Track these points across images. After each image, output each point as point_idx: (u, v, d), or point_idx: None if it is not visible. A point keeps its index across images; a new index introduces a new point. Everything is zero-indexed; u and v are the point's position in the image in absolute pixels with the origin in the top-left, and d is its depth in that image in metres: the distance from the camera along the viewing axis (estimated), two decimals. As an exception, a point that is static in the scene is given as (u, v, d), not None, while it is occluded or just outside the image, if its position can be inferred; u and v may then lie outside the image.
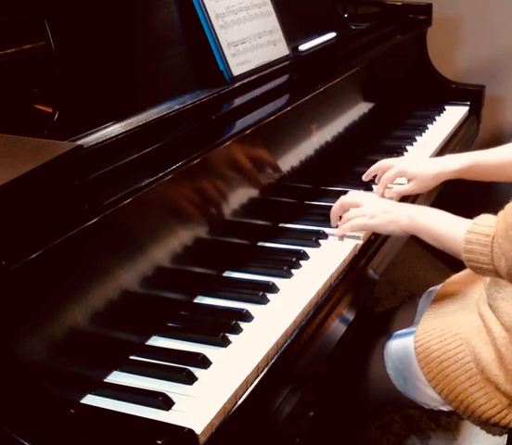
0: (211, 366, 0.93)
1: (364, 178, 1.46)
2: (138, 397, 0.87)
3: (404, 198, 1.45)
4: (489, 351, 1.14)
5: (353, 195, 1.32)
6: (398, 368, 1.24)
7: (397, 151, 1.66)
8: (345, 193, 1.44)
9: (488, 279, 1.20)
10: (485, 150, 1.39)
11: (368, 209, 1.23)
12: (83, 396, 0.88)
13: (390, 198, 1.40)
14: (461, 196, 1.89)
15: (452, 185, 1.56)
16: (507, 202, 1.04)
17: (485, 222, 1.05)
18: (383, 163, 1.43)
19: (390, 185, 1.44)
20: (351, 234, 1.27)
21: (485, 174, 1.39)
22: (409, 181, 1.40)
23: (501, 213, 1.04)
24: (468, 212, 1.11)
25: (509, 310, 1.13)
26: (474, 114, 2.02)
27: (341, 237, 1.27)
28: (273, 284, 1.11)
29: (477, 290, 1.27)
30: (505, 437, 1.27)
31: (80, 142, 0.99)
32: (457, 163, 1.37)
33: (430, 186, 1.40)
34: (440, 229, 1.12)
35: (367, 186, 1.47)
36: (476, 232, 1.04)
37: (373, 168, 1.44)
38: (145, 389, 0.88)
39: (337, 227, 1.29)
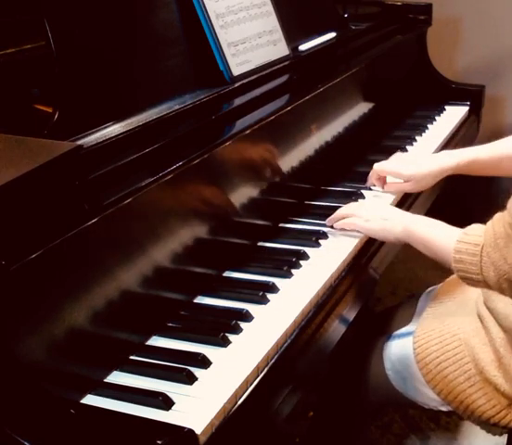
0: (211, 366, 0.93)
1: (368, 184, 1.47)
2: (138, 397, 0.87)
3: (406, 197, 1.45)
4: (487, 352, 1.14)
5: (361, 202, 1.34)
6: (397, 369, 1.24)
7: (397, 151, 1.65)
8: (345, 193, 1.45)
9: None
10: (482, 146, 1.40)
11: (364, 213, 1.25)
12: (83, 396, 0.88)
13: (392, 195, 1.42)
14: (462, 194, 1.89)
15: (452, 185, 1.56)
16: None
17: (475, 231, 1.05)
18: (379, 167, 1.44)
19: (389, 183, 1.45)
20: (351, 231, 1.27)
21: (483, 169, 1.41)
22: (406, 182, 1.42)
23: (489, 223, 1.03)
24: (470, 211, 1.11)
25: (506, 310, 1.13)
26: (474, 114, 2.02)
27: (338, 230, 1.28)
28: (273, 284, 1.11)
29: (476, 290, 1.27)
30: (506, 436, 1.27)
31: (80, 142, 0.99)
32: (455, 160, 1.39)
33: (429, 184, 1.41)
34: (431, 239, 1.12)
35: (367, 187, 1.47)
36: (465, 241, 1.04)
37: (371, 173, 1.46)
38: (145, 389, 0.88)
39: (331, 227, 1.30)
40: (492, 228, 1.01)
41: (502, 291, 1.03)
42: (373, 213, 1.24)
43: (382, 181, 1.45)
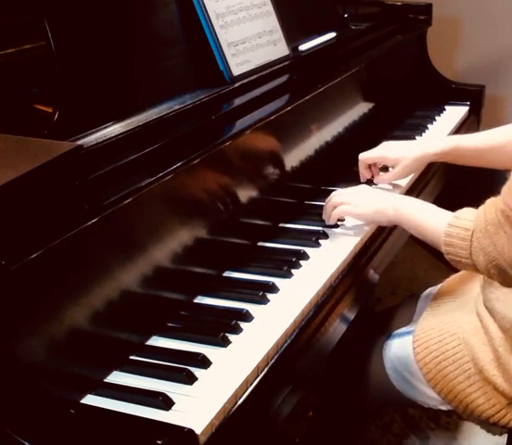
0: (211, 366, 0.93)
1: (362, 179, 1.47)
2: (138, 397, 0.87)
3: (410, 191, 1.47)
4: (487, 351, 1.14)
5: (345, 189, 1.33)
6: (397, 368, 1.24)
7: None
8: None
9: (483, 280, 1.20)
10: (470, 134, 1.41)
11: (354, 199, 1.25)
12: (83, 396, 0.88)
13: (381, 188, 1.44)
14: (466, 190, 1.88)
15: (455, 181, 1.56)
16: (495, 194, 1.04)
17: (466, 215, 1.05)
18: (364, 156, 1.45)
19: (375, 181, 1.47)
20: (351, 230, 1.27)
21: (467, 158, 1.41)
22: (392, 167, 1.43)
23: (481, 208, 1.04)
24: (468, 199, 1.11)
25: (504, 310, 1.13)
26: (474, 114, 2.02)
27: (334, 225, 1.29)
28: (273, 284, 1.11)
29: (475, 290, 1.27)
30: (506, 436, 1.27)
31: (80, 142, 0.99)
32: (439, 146, 1.39)
33: (414, 170, 1.44)
34: (422, 221, 1.13)
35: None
36: (456, 225, 1.05)
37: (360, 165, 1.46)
38: (145, 389, 0.88)
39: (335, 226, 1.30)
40: (484, 214, 1.02)
41: (490, 276, 1.05)
42: (362, 198, 1.25)
43: (372, 171, 1.46)
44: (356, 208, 1.24)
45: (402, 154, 1.40)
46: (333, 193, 1.31)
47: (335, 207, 1.27)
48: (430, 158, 1.41)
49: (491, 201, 1.03)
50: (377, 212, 1.22)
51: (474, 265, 1.04)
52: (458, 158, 1.41)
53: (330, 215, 1.28)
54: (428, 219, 1.13)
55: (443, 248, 1.07)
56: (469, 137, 1.40)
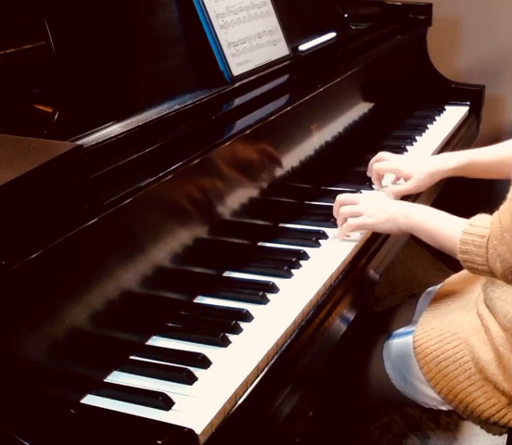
0: (211, 366, 0.93)
1: (369, 173, 1.46)
2: (138, 397, 0.87)
3: (405, 198, 1.45)
4: (487, 351, 1.14)
5: (351, 194, 1.32)
6: (397, 368, 1.24)
7: (397, 151, 1.65)
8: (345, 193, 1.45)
9: (484, 279, 1.20)
10: (482, 148, 1.40)
11: (366, 208, 1.23)
12: (83, 396, 0.88)
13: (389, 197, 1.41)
14: (462, 195, 1.89)
15: (452, 184, 1.55)
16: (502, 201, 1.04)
17: (480, 222, 1.05)
18: (382, 155, 1.44)
19: (385, 185, 1.45)
20: (350, 233, 1.27)
21: (482, 172, 1.40)
22: (405, 180, 1.41)
23: (496, 215, 1.03)
24: (469, 212, 1.11)
25: (505, 309, 1.13)
26: (474, 114, 2.02)
27: (341, 237, 1.27)
28: (273, 284, 1.11)
29: (475, 289, 1.27)
30: (506, 436, 1.27)
31: (80, 142, 0.99)
32: (454, 162, 1.38)
33: (427, 185, 1.40)
34: (436, 229, 1.12)
35: (367, 186, 1.47)
36: (471, 233, 1.04)
37: (372, 160, 1.45)
38: (145, 389, 0.88)
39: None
40: (499, 221, 1.01)
41: (508, 282, 1.05)
42: (374, 207, 1.22)
43: (380, 177, 1.45)
44: (369, 218, 1.21)
45: (417, 168, 1.38)
46: (338, 198, 1.27)
47: (345, 218, 1.25)
48: (444, 174, 1.39)
49: (504, 207, 1.02)
50: (389, 221, 1.19)
51: (491, 272, 1.03)
52: (472, 173, 1.40)
53: (342, 227, 1.25)
54: (442, 226, 1.11)
55: (459, 256, 1.06)
56: (482, 151, 1.39)
